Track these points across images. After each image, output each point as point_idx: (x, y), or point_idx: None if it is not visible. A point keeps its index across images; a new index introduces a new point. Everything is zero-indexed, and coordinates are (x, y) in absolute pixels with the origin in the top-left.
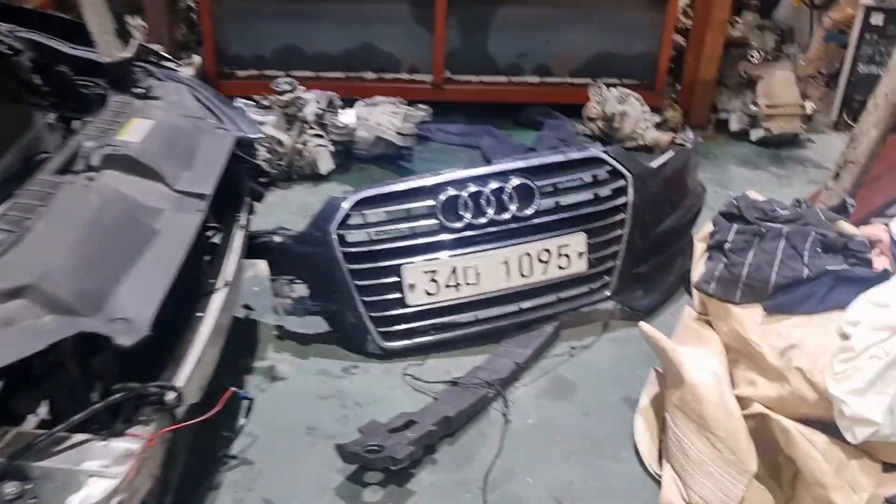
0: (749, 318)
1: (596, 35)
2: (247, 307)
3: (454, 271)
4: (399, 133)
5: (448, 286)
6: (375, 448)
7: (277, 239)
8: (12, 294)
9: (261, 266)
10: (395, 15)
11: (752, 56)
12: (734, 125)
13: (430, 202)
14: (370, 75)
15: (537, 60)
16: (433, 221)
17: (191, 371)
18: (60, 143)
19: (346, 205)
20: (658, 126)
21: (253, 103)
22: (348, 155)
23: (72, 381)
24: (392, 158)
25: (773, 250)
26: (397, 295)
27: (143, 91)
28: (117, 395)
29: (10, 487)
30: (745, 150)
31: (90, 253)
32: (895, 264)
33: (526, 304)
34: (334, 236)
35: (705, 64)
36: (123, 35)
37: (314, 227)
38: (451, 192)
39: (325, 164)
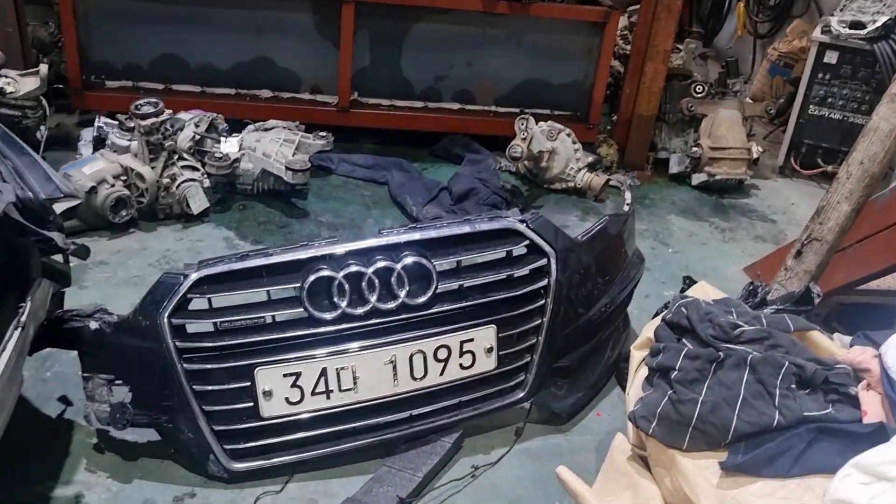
0: (699, 476)
1: (525, 59)
2: (63, 401)
3: (324, 374)
4: (289, 168)
5: (316, 393)
6: None
7: (94, 325)
8: None
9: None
10: (295, 26)
11: (697, 90)
12: (674, 167)
13: (296, 284)
14: (265, 94)
15: (457, 85)
16: (298, 310)
17: None
18: None
19: (184, 285)
20: (591, 167)
21: (116, 122)
22: (230, 189)
23: None
24: (282, 195)
25: (734, 384)
26: (248, 404)
27: None
28: None
29: None
30: (685, 195)
31: None
32: (889, 407)
33: (418, 411)
34: (167, 326)
35: (644, 97)
36: None
37: (141, 312)
38: (324, 272)
39: (198, 203)
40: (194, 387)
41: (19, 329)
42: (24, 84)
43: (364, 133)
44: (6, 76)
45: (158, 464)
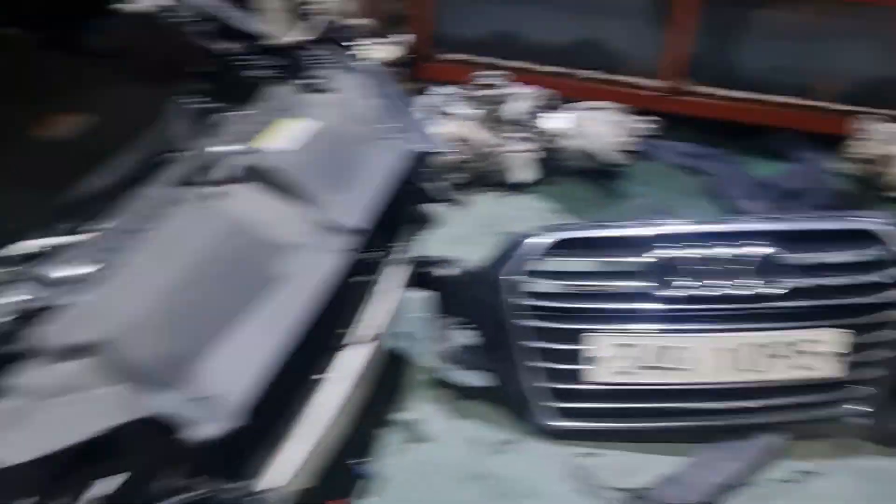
0: None
1: (877, 54)
2: (402, 340)
3: (657, 350)
4: (615, 150)
5: (646, 367)
6: None
7: (447, 272)
8: (74, 352)
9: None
10: (631, 7)
11: None
12: None
13: (643, 259)
14: (593, 74)
15: (797, 78)
16: (642, 284)
17: (302, 461)
18: (188, 143)
19: (533, 246)
20: None
21: (451, 92)
22: (549, 165)
23: (141, 464)
24: (599, 176)
25: None
26: (579, 366)
27: (312, 83)
28: (190, 495)
29: None
30: None
31: (186, 302)
32: None
33: (749, 404)
34: (509, 282)
35: None
36: (304, 9)
37: (489, 265)
38: (675, 251)
39: (523, 174)
40: (531, 343)
41: (401, 266)
42: (389, 52)
43: (684, 121)
44: (380, 43)
45: (487, 409)
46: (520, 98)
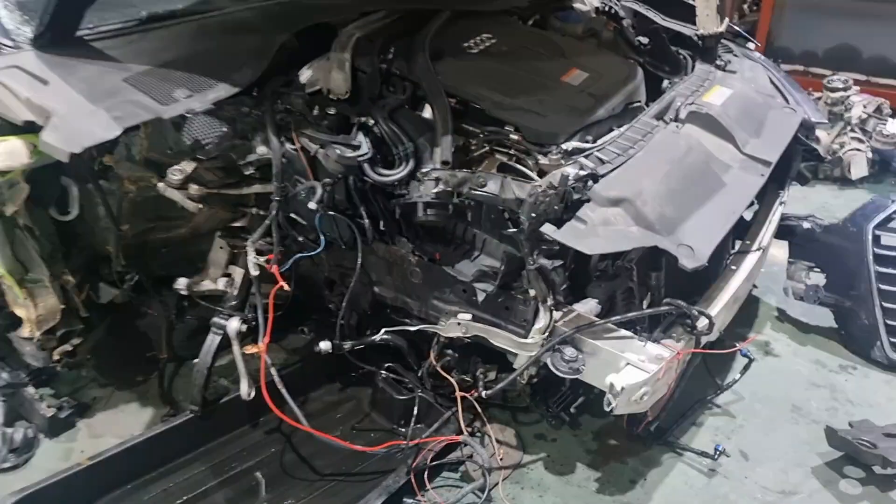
0: None
1: None
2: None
3: None
4: None
5: None
6: (868, 444)
7: (807, 225)
8: (613, 202)
9: (774, 250)
10: None
11: None
12: None
13: None
14: None
15: None
16: None
17: (719, 310)
18: (656, 95)
19: (891, 208)
20: None
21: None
22: (884, 166)
23: (631, 285)
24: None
25: None
26: None
27: (723, 64)
28: (666, 308)
29: (570, 352)
30: None
31: (672, 186)
32: None
33: None
34: (870, 235)
35: None
36: (720, 12)
37: (851, 221)
38: None
39: (859, 170)
40: (881, 286)
41: (781, 206)
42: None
43: None
44: None
45: (825, 342)
46: (857, 103)
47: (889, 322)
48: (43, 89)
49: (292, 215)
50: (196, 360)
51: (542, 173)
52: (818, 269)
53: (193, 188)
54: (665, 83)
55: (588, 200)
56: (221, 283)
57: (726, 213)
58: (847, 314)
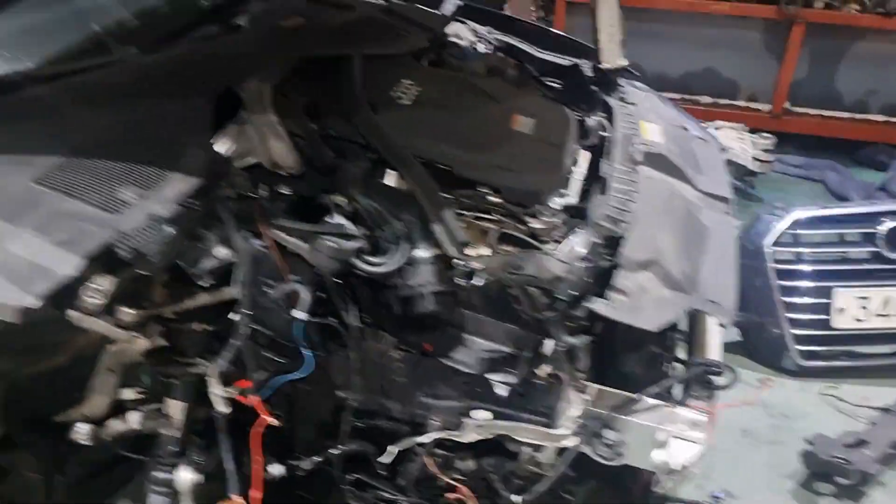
0: None
1: None
2: None
3: (887, 302)
4: (755, 159)
5: (879, 315)
6: (843, 461)
7: None
8: (643, 266)
9: None
10: (743, 42)
11: None
12: None
13: (869, 230)
14: (706, 99)
15: (886, 99)
16: (870, 249)
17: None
18: (589, 135)
19: (782, 224)
20: None
21: None
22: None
23: (655, 350)
24: (735, 183)
25: None
26: (823, 316)
27: (622, 97)
28: (696, 369)
29: (611, 434)
30: None
31: (678, 238)
32: None
33: None
34: (768, 251)
35: None
36: (624, 45)
37: (746, 240)
38: (892, 223)
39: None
40: (784, 298)
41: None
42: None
43: (789, 139)
44: None
45: (734, 357)
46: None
47: (795, 331)
48: None
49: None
50: None
51: (534, 237)
52: None
53: (125, 312)
54: (589, 122)
55: (618, 267)
56: (136, 422)
57: (726, 260)
58: (755, 328)
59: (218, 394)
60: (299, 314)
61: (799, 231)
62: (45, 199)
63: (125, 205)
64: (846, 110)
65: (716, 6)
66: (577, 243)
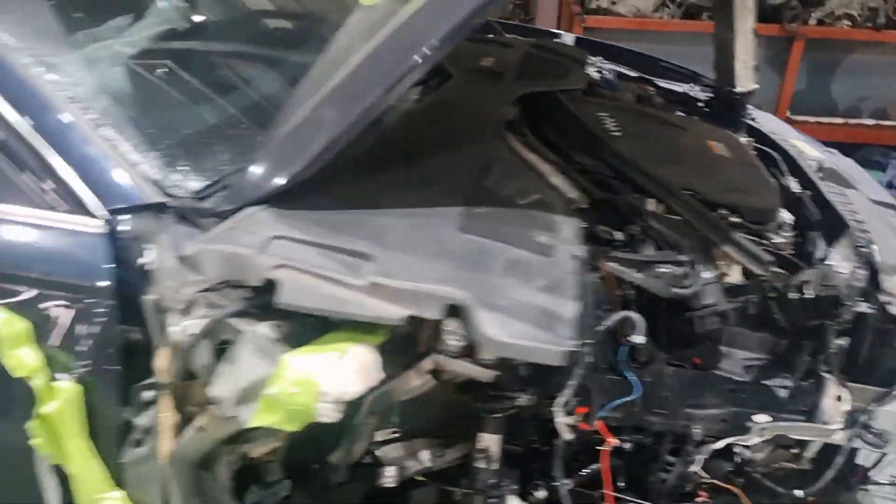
0: None
1: None
2: None
3: None
4: None
5: None
6: None
7: None
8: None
9: None
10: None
11: None
12: None
13: None
14: None
15: (876, 104)
16: None
17: None
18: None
19: None
20: None
21: None
22: None
23: None
24: None
25: None
26: None
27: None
28: None
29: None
30: None
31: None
32: None
33: None
34: None
35: None
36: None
37: None
38: None
39: None
40: None
41: None
42: None
43: None
44: None
45: None
46: None
47: None
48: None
49: None
50: None
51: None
52: None
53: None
54: (744, 141)
55: (877, 272)
56: (428, 460)
57: None
58: None
59: (565, 422)
60: (637, 339)
61: None
62: (490, 249)
63: (548, 247)
64: (840, 116)
65: None
66: (843, 254)
